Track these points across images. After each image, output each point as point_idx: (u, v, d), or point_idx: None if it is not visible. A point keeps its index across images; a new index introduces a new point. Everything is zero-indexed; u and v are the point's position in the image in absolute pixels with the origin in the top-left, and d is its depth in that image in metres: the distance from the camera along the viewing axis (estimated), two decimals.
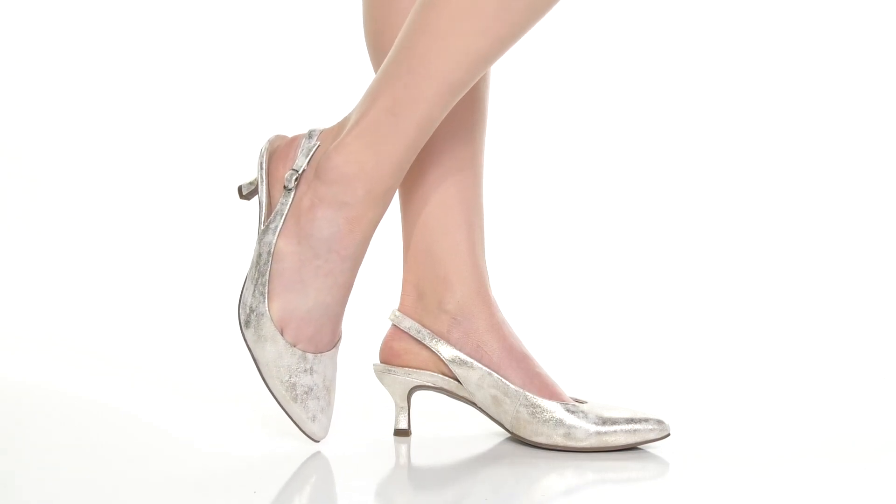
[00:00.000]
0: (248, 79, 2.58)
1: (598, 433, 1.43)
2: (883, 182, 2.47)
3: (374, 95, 1.41)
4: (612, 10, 2.56)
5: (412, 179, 1.51)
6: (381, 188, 1.41)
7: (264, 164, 1.47)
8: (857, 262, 2.38)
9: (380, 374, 1.51)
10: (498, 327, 1.49)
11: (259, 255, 1.43)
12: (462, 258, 1.50)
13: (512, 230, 2.40)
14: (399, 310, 1.51)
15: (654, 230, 2.44)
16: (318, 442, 1.44)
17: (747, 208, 2.45)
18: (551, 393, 1.46)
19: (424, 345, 1.49)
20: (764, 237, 2.41)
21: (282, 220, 1.43)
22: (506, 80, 2.33)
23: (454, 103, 1.42)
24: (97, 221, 2.45)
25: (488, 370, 1.47)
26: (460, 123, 1.51)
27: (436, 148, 1.50)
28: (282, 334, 1.42)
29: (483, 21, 1.37)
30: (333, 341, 1.45)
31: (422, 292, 1.50)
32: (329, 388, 1.44)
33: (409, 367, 1.50)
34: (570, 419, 1.44)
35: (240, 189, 1.47)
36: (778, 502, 1.29)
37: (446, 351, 1.48)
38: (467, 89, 1.42)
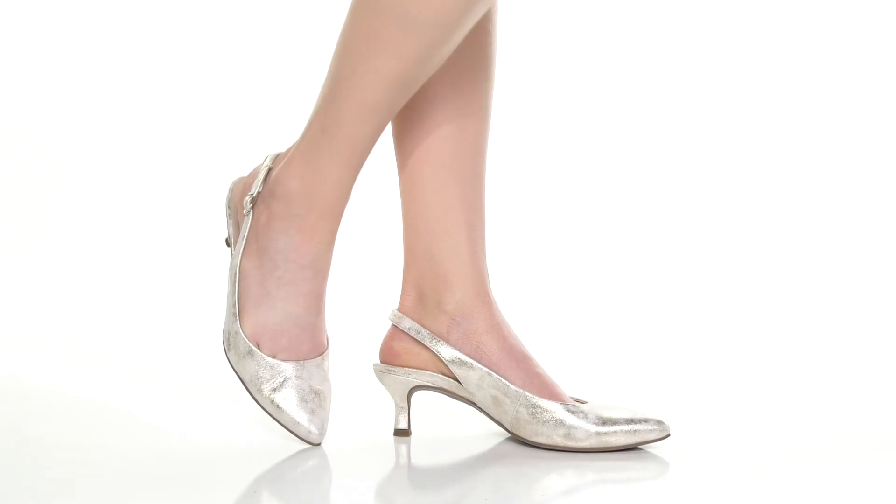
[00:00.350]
0: (246, 80, 2.58)
1: (599, 433, 1.43)
2: (882, 182, 2.47)
3: (313, 114, 1.45)
4: (612, 10, 2.56)
5: (411, 174, 1.51)
6: (326, 203, 1.45)
7: (229, 203, 1.52)
8: (856, 261, 2.38)
9: (380, 375, 1.51)
10: (497, 327, 1.49)
11: (230, 281, 1.47)
12: (462, 258, 1.50)
13: (512, 230, 2.40)
14: (399, 310, 1.51)
15: (654, 230, 2.44)
16: (317, 445, 1.44)
17: (746, 208, 2.45)
18: (551, 393, 1.46)
19: (424, 345, 1.49)
20: (763, 237, 2.41)
21: (243, 242, 1.47)
22: (506, 80, 2.33)
23: (387, 121, 1.43)
24: (96, 221, 2.45)
25: (488, 370, 1.47)
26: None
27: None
28: (258, 348, 1.45)
29: (388, 43, 1.38)
30: (316, 349, 1.46)
31: (422, 292, 1.50)
32: (319, 393, 1.45)
33: (409, 367, 1.50)
34: (570, 419, 1.44)
35: (226, 240, 1.52)
36: (778, 502, 1.29)
37: (446, 351, 1.48)
38: (398, 108, 1.42)
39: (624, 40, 2.57)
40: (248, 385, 1.45)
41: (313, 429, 1.43)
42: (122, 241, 2.42)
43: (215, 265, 2.37)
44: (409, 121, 1.49)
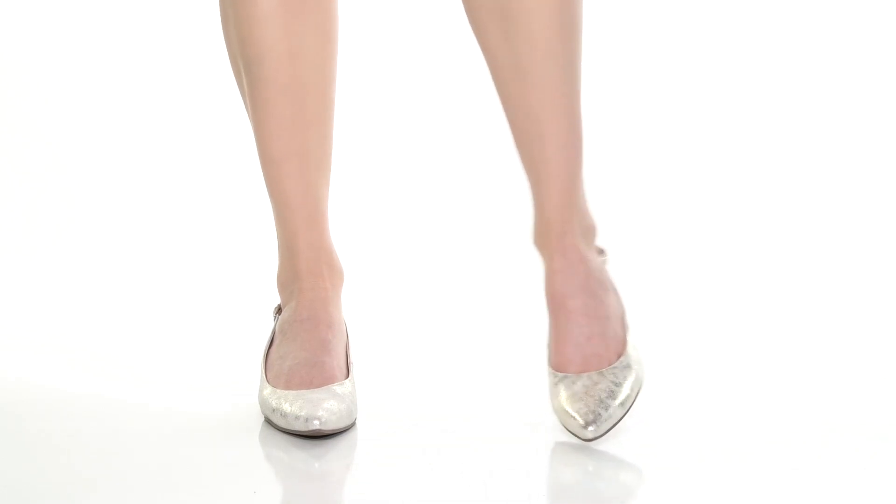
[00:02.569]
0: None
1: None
2: (882, 181, 2.47)
3: None
4: (612, 10, 2.56)
5: None
6: (299, 265, 1.60)
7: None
8: (855, 261, 2.38)
9: None
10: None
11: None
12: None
13: (514, 230, 2.40)
14: None
15: (654, 231, 2.44)
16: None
17: (745, 207, 2.45)
18: None
19: None
20: (761, 235, 2.41)
21: (270, 337, 1.60)
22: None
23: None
24: (94, 221, 2.45)
25: None
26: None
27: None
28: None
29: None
30: (328, 380, 1.51)
31: None
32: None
33: None
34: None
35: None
36: (777, 502, 1.29)
37: None
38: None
39: (624, 40, 2.57)
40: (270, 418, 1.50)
41: (329, 419, 1.46)
42: (120, 242, 2.42)
43: (214, 266, 2.37)
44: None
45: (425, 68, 2.54)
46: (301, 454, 1.42)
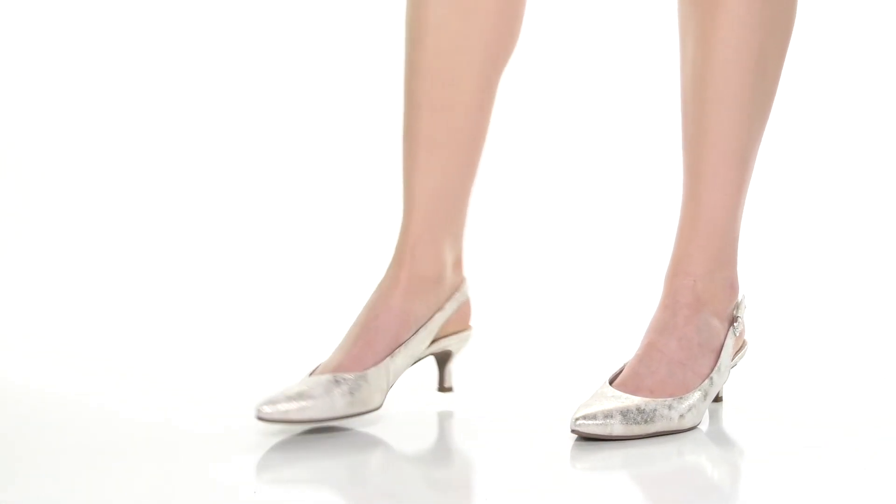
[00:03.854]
0: (243, 81, 2.58)
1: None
2: (882, 181, 2.47)
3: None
4: (612, 10, 2.56)
5: None
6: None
7: None
8: (854, 261, 2.38)
9: None
10: None
11: None
12: None
13: (517, 230, 2.40)
14: None
15: (654, 231, 2.44)
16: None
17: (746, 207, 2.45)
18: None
19: None
20: (760, 235, 2.41)
21: None
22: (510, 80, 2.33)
23: None
24: (92, 223, 2.45)
25: None
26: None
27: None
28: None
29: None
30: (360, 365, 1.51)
31: None
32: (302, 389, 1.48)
33: None
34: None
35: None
36: (777, 501, 1.29)
37: None
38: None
39: (620, 38, 2.57)
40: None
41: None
42: (118, 244, 2.42)
43: (213, 268, 2.37)
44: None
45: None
46: (302, 452, 1.42)
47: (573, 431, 1.43)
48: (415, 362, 1.56)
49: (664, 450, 1.44)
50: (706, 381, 1.51)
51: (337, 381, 1.48)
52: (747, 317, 1.60)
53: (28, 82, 2.55)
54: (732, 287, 1.57)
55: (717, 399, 1.62)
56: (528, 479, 1.37)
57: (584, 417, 1.43)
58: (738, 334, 1.56)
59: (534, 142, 2.55)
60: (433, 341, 1.56)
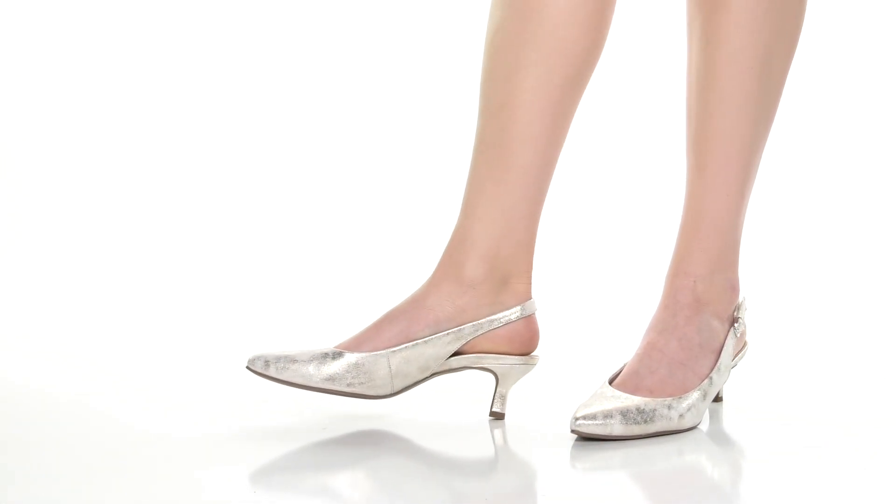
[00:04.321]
0: (242, 80, 2.58)
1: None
2: (883, 183, 2.47)
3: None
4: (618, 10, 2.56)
5: None
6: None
7: None
8: (854, 262, 2.37)
9: None
10: None
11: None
12: None
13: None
14: None
15: (654, 231, 2.44)
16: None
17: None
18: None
19: None
20: (760, 236, 2.41)
21: None
22: None
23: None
24: (91, 224, 2.45)
25: None
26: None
27: None
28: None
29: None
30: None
31: None
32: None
33: None
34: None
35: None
36: (777, 501, 1.29)
37: None
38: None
39: (629, 40, 2.57)
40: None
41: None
42: (117, 245, 2.42)
43: (212, 269, 2.37)
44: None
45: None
46: (301, 453, 1.42)
47: (573, 431, 1.43)
48: (447, 369, 1.54)
49: (664, 450, 1.44)
50: (706, 382, 1.51)
51: (325, 355, 1.49)
52: (748, 317, 1.60)
53: (28, 82, 2.55)
54: (733, 288, 1.57)
55: (717, 399, 1.62)
56: (527, 478, 1.37)
57: (584, 417, 1.43)
58: (738, 335, 1.56)
59: None
60: (461, 353, 1.54)
